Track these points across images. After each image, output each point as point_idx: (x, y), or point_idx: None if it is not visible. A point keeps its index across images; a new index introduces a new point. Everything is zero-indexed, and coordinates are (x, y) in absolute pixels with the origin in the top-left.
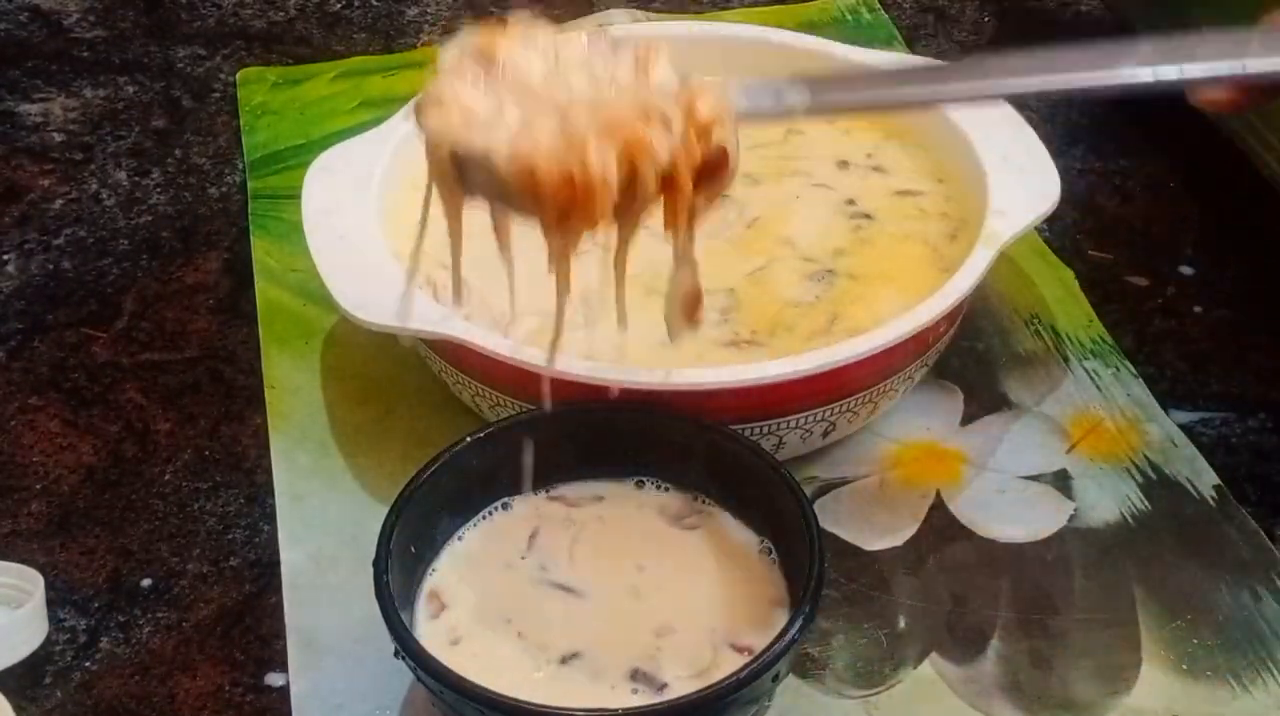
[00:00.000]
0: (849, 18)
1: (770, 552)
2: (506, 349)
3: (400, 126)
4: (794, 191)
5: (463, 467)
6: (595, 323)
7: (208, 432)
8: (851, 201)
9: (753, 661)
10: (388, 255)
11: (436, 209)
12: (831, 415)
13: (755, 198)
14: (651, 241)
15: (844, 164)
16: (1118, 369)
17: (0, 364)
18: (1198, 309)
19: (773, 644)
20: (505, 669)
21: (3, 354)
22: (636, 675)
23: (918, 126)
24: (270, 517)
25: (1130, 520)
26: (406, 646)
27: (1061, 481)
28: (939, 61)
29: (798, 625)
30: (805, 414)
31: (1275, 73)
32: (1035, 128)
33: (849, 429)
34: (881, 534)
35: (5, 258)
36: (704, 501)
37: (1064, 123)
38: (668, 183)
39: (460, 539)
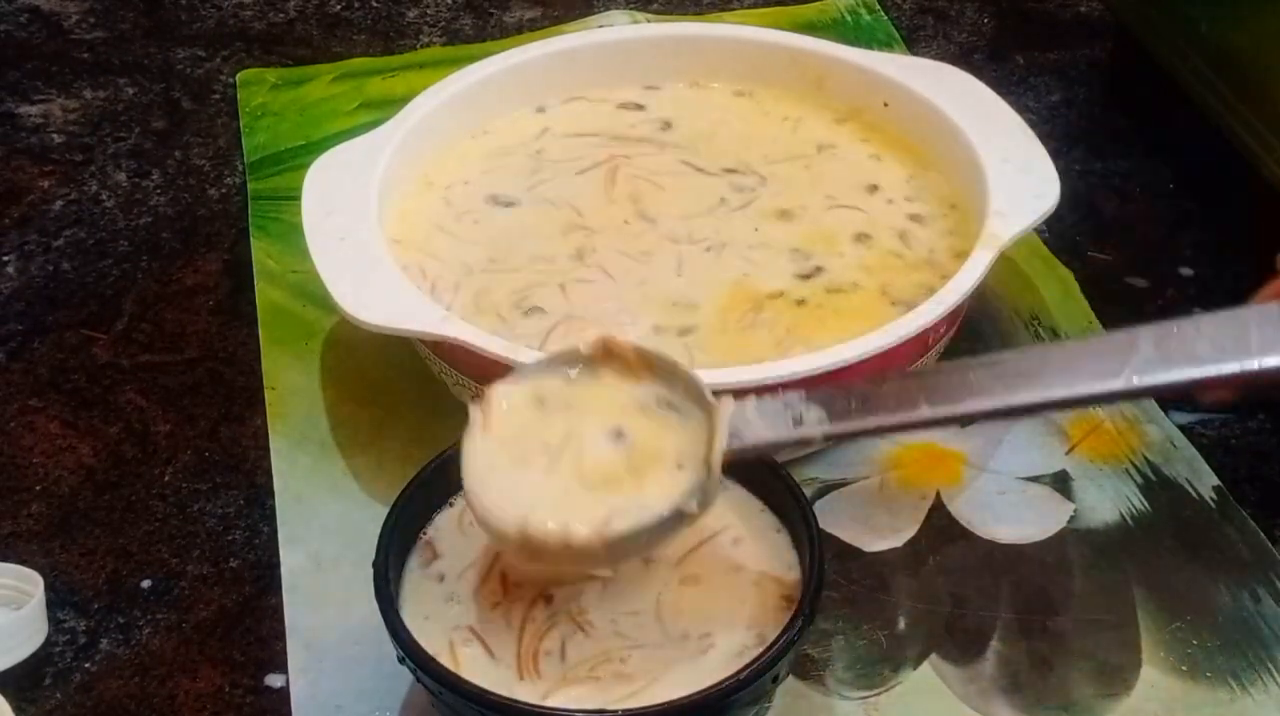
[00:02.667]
0: (849, 18)
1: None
2: (506, 349)
3: (399, 128)
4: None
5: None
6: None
7: (207, 434)
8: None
9: (752, 662)
10: (387, 256)
11: (436, 209)
12: None
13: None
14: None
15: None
16: None
17: (0, 365)
18: (1198, 310)
19: (772, 645)
20: None
21: (3, 355)
22: None
23: (917, 127)
24: (270, 519)
25: (1130, 521)
26: (407, 648)
27: (1061, 482)
28: (947, 366)
29: (797, 626)
30: None
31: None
32: (1035, 128)
33: None
34: (881, 535)
35: (5, 259)
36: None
37: (1064, 123)
38: None
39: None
